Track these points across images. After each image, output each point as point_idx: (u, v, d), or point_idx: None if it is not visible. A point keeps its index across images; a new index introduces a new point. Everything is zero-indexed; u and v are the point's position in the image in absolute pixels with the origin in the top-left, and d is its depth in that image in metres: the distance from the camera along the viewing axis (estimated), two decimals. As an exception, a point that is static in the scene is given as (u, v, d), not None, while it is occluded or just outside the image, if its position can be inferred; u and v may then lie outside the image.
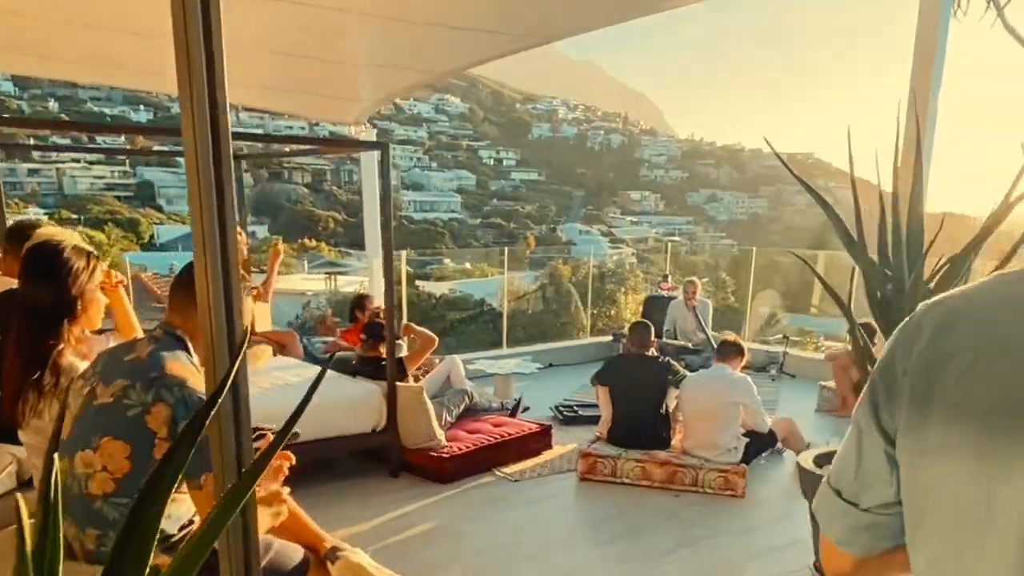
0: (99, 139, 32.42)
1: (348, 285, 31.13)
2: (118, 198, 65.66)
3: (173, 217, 63.80)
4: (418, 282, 38.77)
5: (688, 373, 5.32)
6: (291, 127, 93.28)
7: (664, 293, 9.66)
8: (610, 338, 9.43)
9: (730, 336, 5.71)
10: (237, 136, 4.14)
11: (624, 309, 21.54)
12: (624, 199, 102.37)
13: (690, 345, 8.40)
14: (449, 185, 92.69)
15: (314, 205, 76.01)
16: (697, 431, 5.03)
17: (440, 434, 5.14)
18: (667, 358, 5.48)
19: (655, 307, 9.32)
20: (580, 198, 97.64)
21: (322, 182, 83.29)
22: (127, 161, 67.85)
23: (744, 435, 5.04)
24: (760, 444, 5.16)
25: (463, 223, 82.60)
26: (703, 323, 8.49)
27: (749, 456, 5.02)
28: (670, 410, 5.24)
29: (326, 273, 36.57)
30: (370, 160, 7.79)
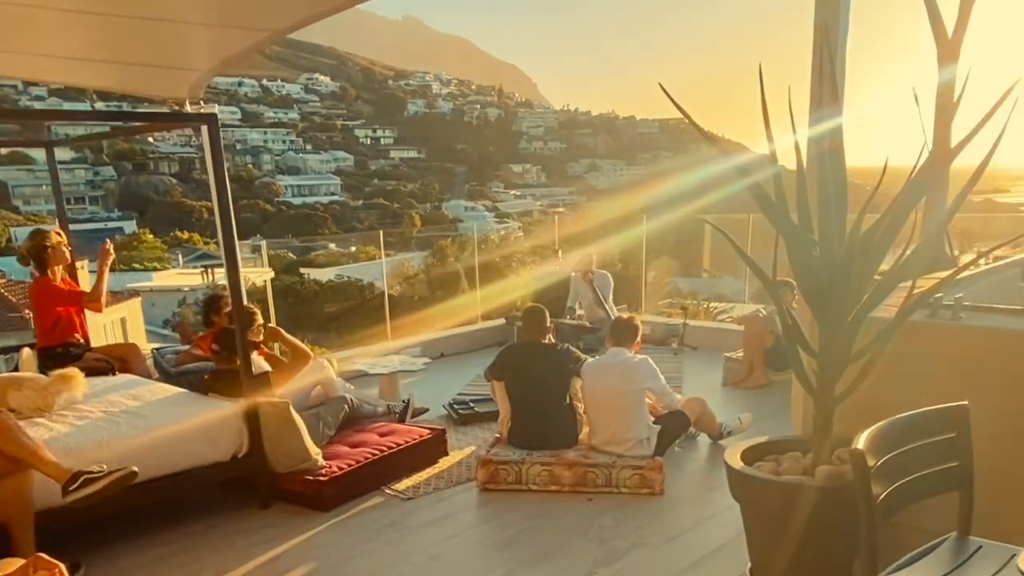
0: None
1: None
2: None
3: (32, 218, 59.16)
4: (303, 270, 37.37)
5: (589, 359, 4.83)
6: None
7: (556, 269, 9.11)
8: (502, 321, 8.77)
9: (624, 315, 5.24)
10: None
11: (516, 288, 20.98)
12: (506, 173, 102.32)
13: (588, 323, 7.89)
14: (327, 167, 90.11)
15: (185, 195, 72.12)
16: (603, 425, 4.54)
17: (316, 453, 4.40)
18: (566, 345, 4.92)
19: (548, 284, 8.79)
20: (462, 174, 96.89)
21: (191, 171, 79.14)
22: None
23: (655, 422, 4.57)
24: (673, 431, 4.70)
25: (345, 206, 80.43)
26: (603, 298, 7.99)
27: (663, 446, 4.56)
28: (575, 402, 4.71)
29: (203, 266, 34.45)
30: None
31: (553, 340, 5.03)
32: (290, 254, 45.47)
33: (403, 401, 5.67)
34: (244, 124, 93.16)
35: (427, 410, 5.86)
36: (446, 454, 5.02)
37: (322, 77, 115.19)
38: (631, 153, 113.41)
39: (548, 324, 4.87)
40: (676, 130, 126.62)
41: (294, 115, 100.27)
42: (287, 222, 68.78)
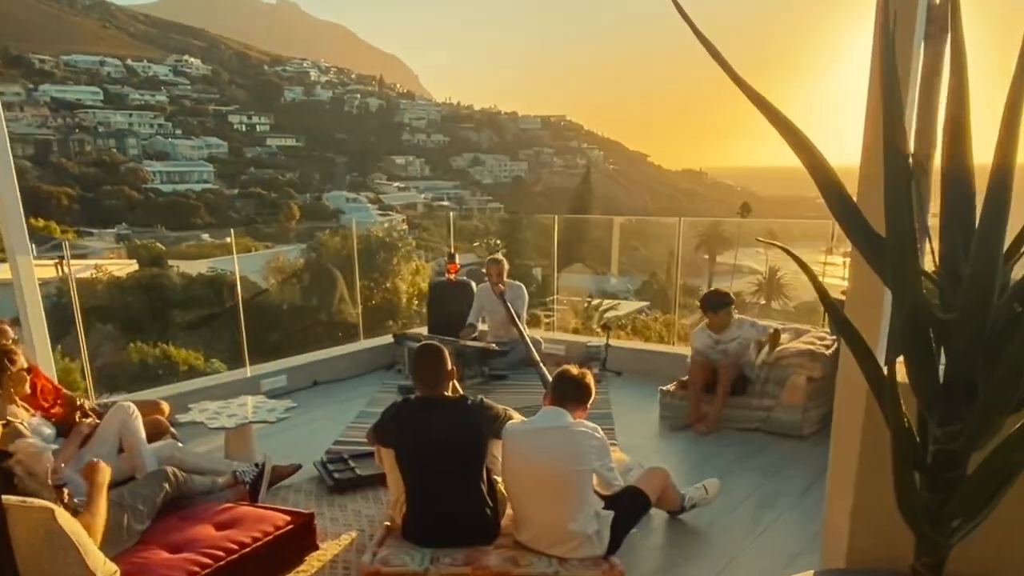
0: None
1: (85, 270, 27.33)
2: None
3: None
4: (172, 262, 35.26)
5: (513, 417, 3.39)
6: (3, 92, 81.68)
7: (451, 277, 7.37)
8: (390, 340, 7.21)
9: (571, 367, 3.41)
10: None
11: (402, 295, 20.06)
12: (389, 164, 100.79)
13: (494, 345, 6.53)
14: (198, 153, 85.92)
15: (41, 180, 66.95)
16: (533, 514, 3.24)
17: (106, 572, 2.72)
18: (479, 397, 3.42)
19: (445, 297, 7.25)
20: (343, 164, 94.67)
21: (48, 154, 73.59)
22: None
23: (606, 506, 3.31)
24: (629, 517, 3.44)
25: (219, 194, 76.85)
26: (515, 315, 6.47)
27: (618, 539, 3.29)
28: (494, 476, 3.39)
29: (58, 257, 31.79)
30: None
31: (459, 388, 3.70)
32: (158, 244, 42.98)
33: (256, 466, 4.05)
34: (107, 106, 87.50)
35: (297, 469, 4.38)
36: (315, 547, 3.56)
37: (192, 59, 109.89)
38: (514, 149, 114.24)
39: (449, 368, 3.43)
40: (557, 127, 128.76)
41: (162, 98, 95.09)
42: (156, 210, 65.18)
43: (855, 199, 1.54)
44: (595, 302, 27.21)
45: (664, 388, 5.58)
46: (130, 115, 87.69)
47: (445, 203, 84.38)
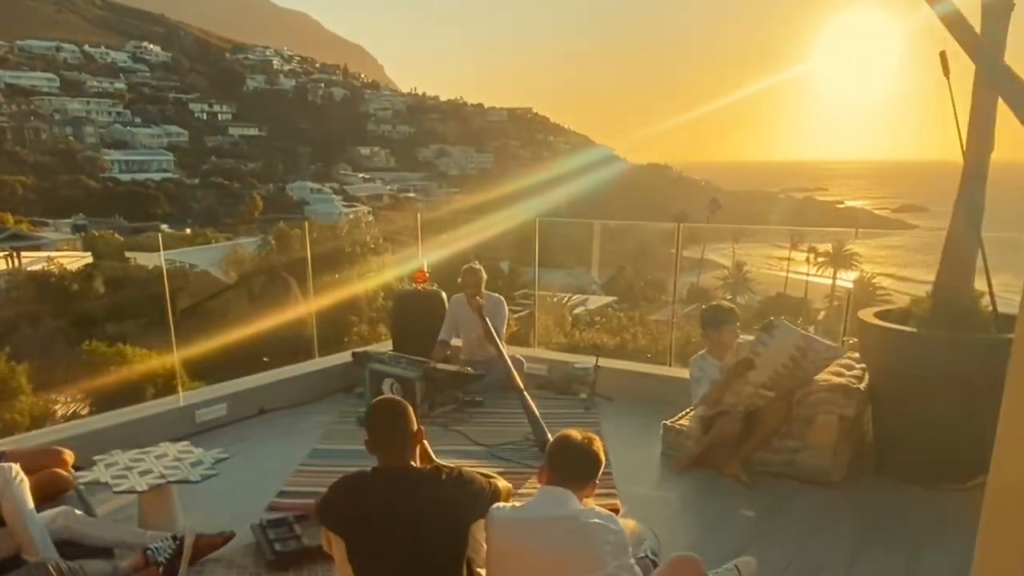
0: None
1: (38, 262, 26.36)
2: None
3: None
4: (129, 253, 34.26)
5: (499, 490, 2.64)
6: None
7: (418, 287, 6.29)
8: (349, 358, 5.97)
9: (574, 432, 2.62)
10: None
11: (365, 299, 19.32)
12: (354, 155, 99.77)
13: (469, 369, 5.57)
14: (158, 142, 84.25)
15: (-7, 168, 65.12)
16: None
17: None
18: (456, 470, 2.59)
19: (411, 309, 6.27)
20: (307, 154, 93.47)
21: (2, 142, 71.59)
22: None
23: None
24: None
25: (179, 184, 75.39)
26: (495, 332, 5.62)
27: None
28: (477, 568, 2.58)
29: (10, 248, 30.78)
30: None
31: (430, 453, 2.79)
32: (117, 236, 41.86)
33: (173, 540, 3.14)
34: (63, 93, 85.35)
35: (229, 538, 3.35)
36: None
37: (152, 46, 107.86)
38: (480, 140, 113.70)
39: (415, 429, 2.61)
40: (523, 119, 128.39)
41: (120, 85, 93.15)
42: (114, 200, 63.69)
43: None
44: (563, 297, 27.01)
45: (668, 423, 4.68)
46: (87, 102, 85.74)
47: (411, 195, 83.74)
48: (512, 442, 4.76)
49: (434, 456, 2.80)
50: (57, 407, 14.22)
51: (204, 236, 39.87)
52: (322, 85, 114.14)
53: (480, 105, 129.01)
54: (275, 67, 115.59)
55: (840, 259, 47.03)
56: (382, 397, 2.91)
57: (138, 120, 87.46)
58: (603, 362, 5.96)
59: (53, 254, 30.98)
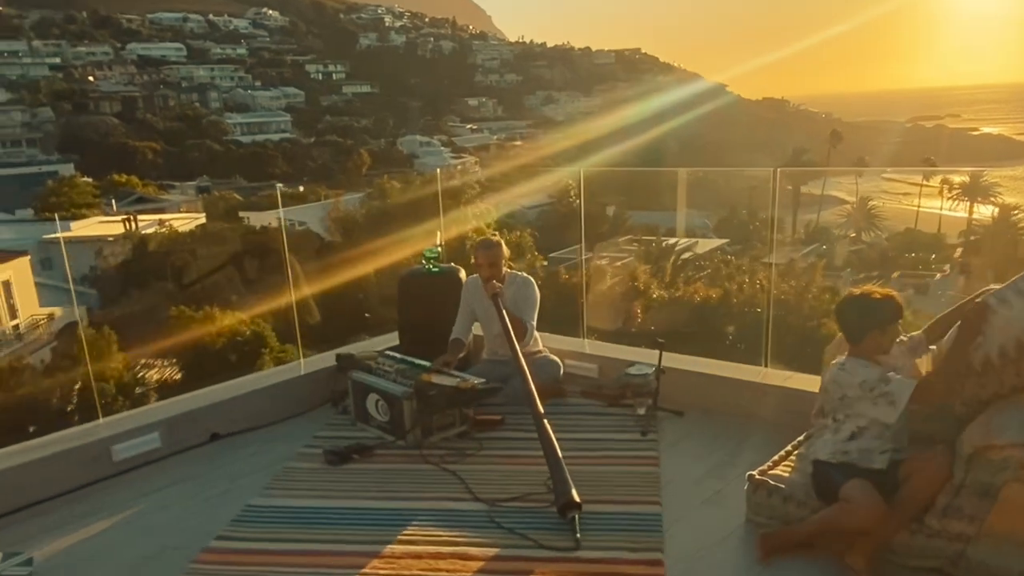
0: None
1: (151, 226, 27.50)
2: None
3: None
4: (243, 213, 35.57)
5: None
6: (93, 52, 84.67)
7: (429, 267, 4.93)
8: (332, 362, 4.56)
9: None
10: None
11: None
12: (462, 106, 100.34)
13: (476, 381, 3.92)
14: (277, 104, 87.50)
15: (128, 136, 69.50)
16: None
17: None
18: None
19: (421, 295, 4.92)
20: (417, 108, 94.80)
21: (134, 110, 76.23)
22: None
23: None
24: None
25: (296, 143, 78.21)
26: (522, 324, 4.29)
27: None
28: None
29: (130, 212, 32.36)
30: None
31: None
32: (236, 195, 43.80)
33: None
34: (190, 61, 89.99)
35: None
36: None
37: (270, 11, 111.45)
38: (587, 85, 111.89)
39: None
40: (631, 61, 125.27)
41: (242, 51, 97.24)
42: (236, 162, 66.80)
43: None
44: (670, 241, 25.97)
45: (757, 475, 2.95)
46: (212, 69, 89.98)
47: (518, 143, 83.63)
48: (529, 494, 3.21)
49: None
50: (152, 372, 14.96)
51: (316, 194, 41.20)
52: (431, 39, 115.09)
53: (587, 48, 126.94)
54: (386, 24, 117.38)
55: (977, 190, 43.80)
56: None
57: (258, 83, 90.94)
58: (673, 360, 4.18)
59: (166, 216, 32.47)
